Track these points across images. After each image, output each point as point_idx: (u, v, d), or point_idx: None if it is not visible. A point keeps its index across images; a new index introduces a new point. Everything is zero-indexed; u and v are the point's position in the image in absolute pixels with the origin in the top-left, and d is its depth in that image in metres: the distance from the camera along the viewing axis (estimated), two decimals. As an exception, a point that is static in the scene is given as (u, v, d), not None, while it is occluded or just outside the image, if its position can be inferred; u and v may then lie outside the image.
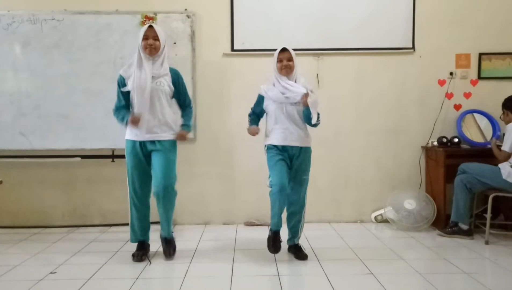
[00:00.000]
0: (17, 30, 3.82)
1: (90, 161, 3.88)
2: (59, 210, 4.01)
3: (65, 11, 3.85)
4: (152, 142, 2.96)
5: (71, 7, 3.85)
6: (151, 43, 2.89)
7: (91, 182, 3.99)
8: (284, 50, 2.95)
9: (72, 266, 2.92)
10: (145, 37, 2.90)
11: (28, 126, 3.84)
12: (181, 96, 3.09)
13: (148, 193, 3.05)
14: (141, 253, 3.01)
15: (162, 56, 2.97)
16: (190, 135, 3.90)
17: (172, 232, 3.11)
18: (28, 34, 3.82)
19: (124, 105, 3.00)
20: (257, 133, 3.02)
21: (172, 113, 3.04)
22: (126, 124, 2.92)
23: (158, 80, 2.93)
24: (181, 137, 3.03)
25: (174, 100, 3.08)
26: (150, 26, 2.92)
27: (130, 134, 2.97)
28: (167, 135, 2.99)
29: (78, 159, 3.84)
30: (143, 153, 2.96)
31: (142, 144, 2.95)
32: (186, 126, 3.07)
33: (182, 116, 3.12)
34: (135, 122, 2.85)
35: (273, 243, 2.92)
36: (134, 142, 2.95)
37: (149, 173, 3.00)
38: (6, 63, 3.83)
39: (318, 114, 2.95)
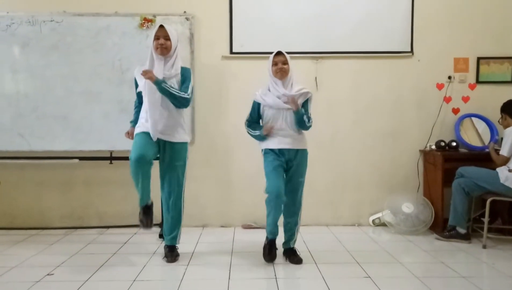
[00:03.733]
0: (16, 31, 3.82)
1: (88, 162, 3.88)
2: (56, 211, 4.00)
3: (64, 12, 3.85)
4: (164, 141, 2.96)
5: (70, 9, 3.86)
6: (162, 43, 2.87)
7: (89, 184, 3.99)
8: (279, 53, 2.95)
9: (70, 268, 2.91)
10: (156, 37, 2.89)
11: (27, 128, 3.84)
12: (181, 81, 2.98)
13: (151, 158, 2.87)
14: (149, 218, 2.95)
15: (174, 56, 2.95)
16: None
17: (177, 243, 3.11)
18: (27, 36, 3.82)
19: (140, 104, 3.06)
20: (272, 128, 2.94)
21: (183, 115, 3.04)
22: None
23: (169, 82, 2.89)
24: (146, 73, 2.80)
25: None
26: (161, 26, 2.90)
27: (142, 129, 2.92)
28: (179, 137, 2.99)
29: (76, 160, 3.84)
30: (152, 141, 2.91)
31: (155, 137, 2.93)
32: (162, 80, 2.85)
33: None
34: (128, 136, 3.07)
35: (269, 252, 2.98)
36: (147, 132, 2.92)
37: (154, 145, 2.91)
38: (5, 64, 3.83)
39: (310, 117, 2.96)
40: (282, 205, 2.92)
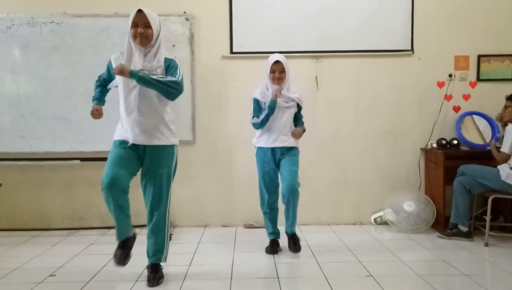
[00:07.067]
0: (16, 33, 3.82)
1: (89, 163, 3.88)
2: (58, 212, 4.01)
3: (64, 14, 3.86)
4: (144, 146, 2.53)
5: (70, 10, 3.86)
6: (142, 32, 2.41)
7: (90, 184, 3.98)
8: (277, 62, 3.03)
9: (72, 269, 2.92)
10: (134, 24, 2.43)
11: (27, 129, 3.84)
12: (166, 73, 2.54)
13: (128, 180, 2.48)
14: (125, 255, 2.52)
15: (156, 46, 2.49)
16: (188, 137, 3.93)
17: (163, 261, 2.67)
18: (27, 37, 3.82)
19: (104, 80, 2.68)
20: (279, 89, 3.00)
21: (167, 113, 2.59)
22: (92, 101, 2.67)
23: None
24: (119, 69, 2.37)
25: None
26: (140, 11, 2.42)
27: (119, 136, 2.57)
28: (163, 140, 2.55)
29: (78, 161, 3.85)
30: (132, 149, 2.52)
31: (133, 145, 2.52)
32: (138, 71, 2.40)
33: None
34: (94, 115, 2.59)
35: (271, 250, 3.17)
36: (124, 139, 2.53)
37: (133, 159, 2.52)
38: (5, 66, 3.84)
39: (303, 127, 3.21)
40: (277, 211, 3.22)
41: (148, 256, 2.65)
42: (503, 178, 3.31)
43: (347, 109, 4.06)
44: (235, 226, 4.03)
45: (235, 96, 3.97)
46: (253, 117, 3.12)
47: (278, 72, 3.03)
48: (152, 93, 2.47)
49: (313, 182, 3.99)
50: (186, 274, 2.78)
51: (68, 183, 4.00)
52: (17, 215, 3.99)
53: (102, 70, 3.82)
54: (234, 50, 3.99)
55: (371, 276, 2.70)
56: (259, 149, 3.15)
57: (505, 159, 3.37)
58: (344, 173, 4.08)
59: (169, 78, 2.44)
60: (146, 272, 2.69)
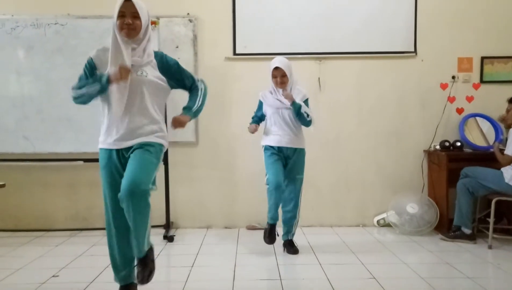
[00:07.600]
0: (20, 34, 3.84)
1: (93, 164, 3.85)
2: (61, 213, 4.02)
3: (68, 15, 3.87)
4: (130, 148, 2.24)
5: (74, 12, 3.88)
6: (129, 22, 2.15)
7: (94, 185, 3.99)
8: (277, 67, 3.08)
9: (74, 270, 2.93)
10: (121, 14, 2.16)
11: (31, 130, 3.85)
12: (177, 79, 2.34)
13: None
14: None
15: (146, 39, 2.24)
16: (191, 138, 3.94)
17: (150, 249, 2.26)
18: (32, 39, 3.84)
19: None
20: (255, 130, 3.23)
21: (158, 111, 2.31)
22: (107, 82, 2.16)
23: (140, 70, 2.21)
24: (176, 123, 2.26)
25: (160, 95, 2.32)
26: None
27: (104, 142, 2.29)
28: (150, 138, 2.25)
29: (81, 162, 3.85)
30: (121, 164, 2.24)
31: (120, 153, 2.24)
32: (186, 109, 2.35)
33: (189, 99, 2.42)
34: (124, 72, 2.12)
35: (269, 235, 3.19)
36: (110, 151, 2.25)
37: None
38: (10, 67, 3.85)
39: (308, 113, 3.11)
40: (281, 194, 3.14)
41: (134, 248, 2.28)
42: (506, 180, 3.29)
43: (349, 111, 4.06)
44: (237, 228, 4.03)
45: (238, 97, 3.97)
46: (254, 112, 3.34)
47: (279, 77, 3.10)
48: (146, 92, 2.23)
49: (315, 184, 3.99)
50: (189, 275, 2.78)
51: (71, 184, 4.01)
52: (20, 215, 4.00)
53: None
54: (237, 52, 3.99)
55: (374, 278, 2.70)
56: (268, 146, 3.21)
57: (509, 161, 3.36)
58: (347, 174, 4.08)
59: (198, 93, 2.40)
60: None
